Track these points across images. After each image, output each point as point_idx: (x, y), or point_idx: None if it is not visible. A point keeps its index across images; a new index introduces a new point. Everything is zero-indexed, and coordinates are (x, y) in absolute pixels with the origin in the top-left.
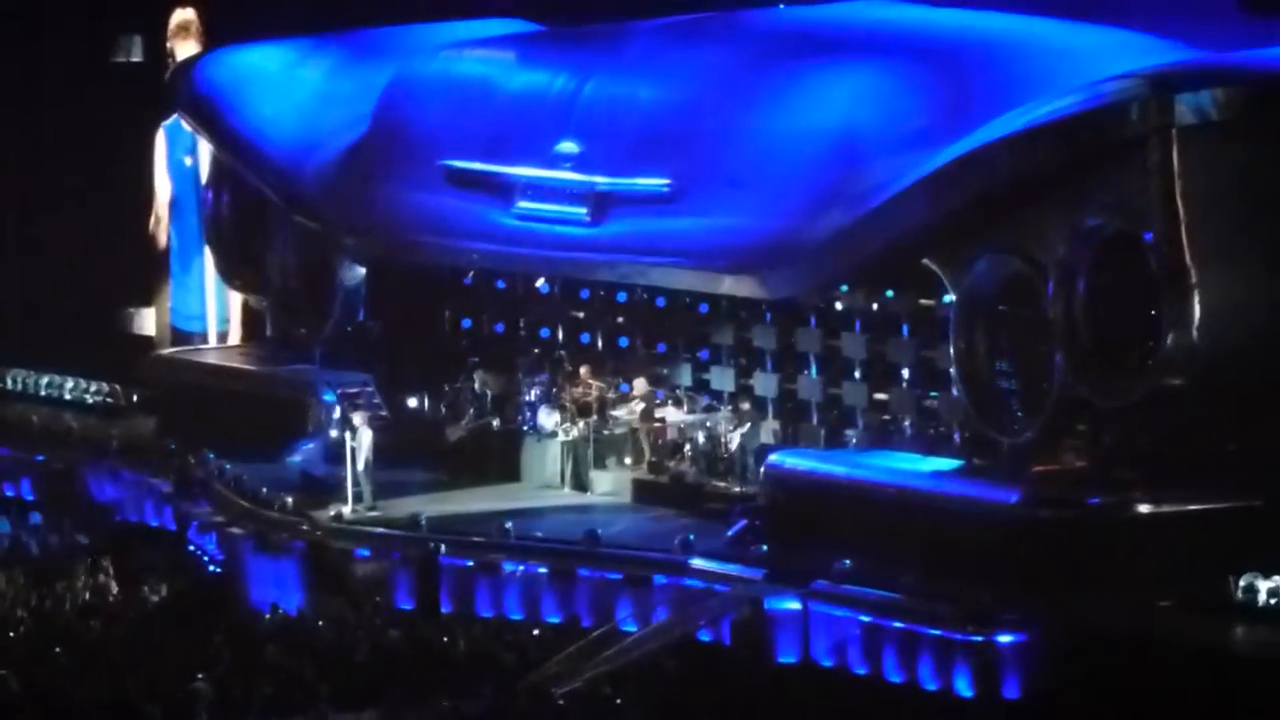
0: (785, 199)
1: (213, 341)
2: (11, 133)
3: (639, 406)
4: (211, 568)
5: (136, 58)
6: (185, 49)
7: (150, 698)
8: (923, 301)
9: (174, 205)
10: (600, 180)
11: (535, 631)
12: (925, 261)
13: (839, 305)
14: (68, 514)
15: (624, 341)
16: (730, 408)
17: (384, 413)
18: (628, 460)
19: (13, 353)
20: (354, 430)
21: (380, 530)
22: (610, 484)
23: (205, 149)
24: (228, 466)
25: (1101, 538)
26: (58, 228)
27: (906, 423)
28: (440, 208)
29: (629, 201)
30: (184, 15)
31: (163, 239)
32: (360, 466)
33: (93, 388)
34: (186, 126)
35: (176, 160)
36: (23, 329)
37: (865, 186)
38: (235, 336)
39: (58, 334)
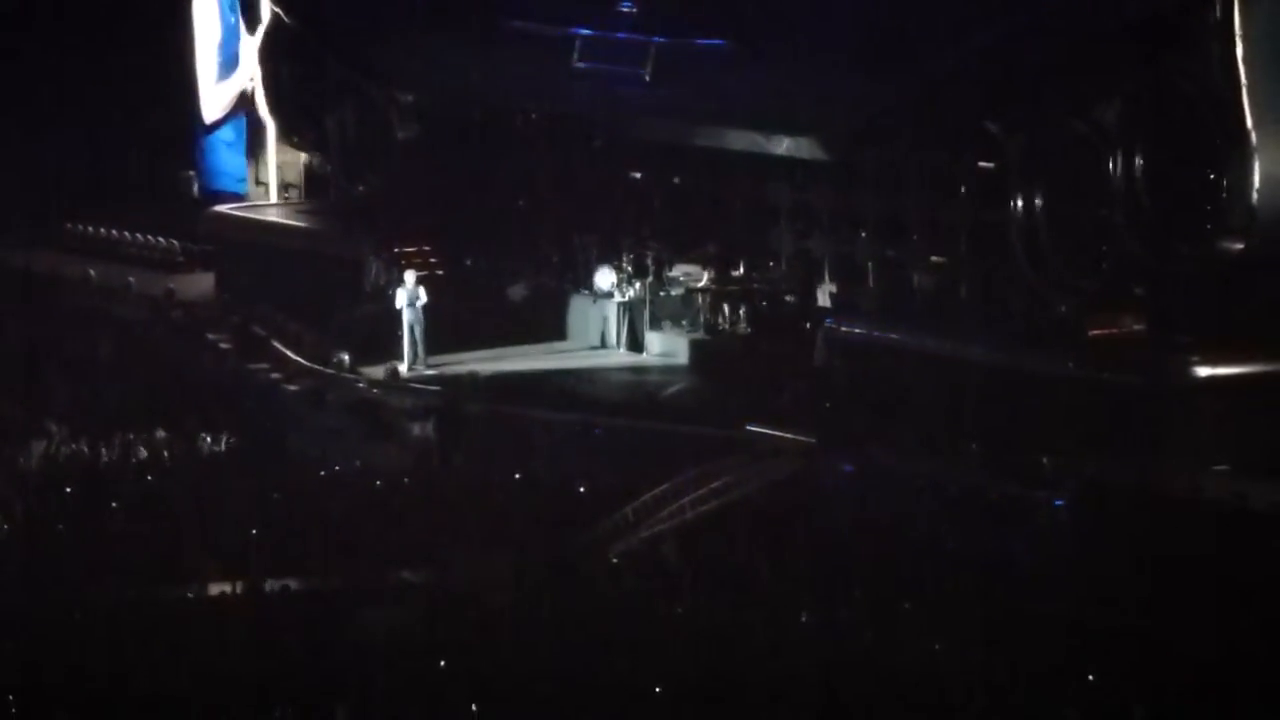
0: (844, 60)
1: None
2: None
3: (700, 269)
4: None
5: None
6: None
7: (205, 554)
8: (983, 164)
9: (219, 64)
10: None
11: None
12: (985, 124)
13: (896, 167)
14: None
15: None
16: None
17: (442, 273)
18: (684, 323)
19: (73, 211)
20: (408, 290)
21: (437, 389)
22: (665, 345)
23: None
24: (286, 323)
25: (1159, 402)
26: (112, 88)
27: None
28: (500, 64)
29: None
30: None
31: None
32: (414, 325)
33: (151, 242)
34: None
35: (224, 18)
36: (82, 189)
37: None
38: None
39: (117, 194)
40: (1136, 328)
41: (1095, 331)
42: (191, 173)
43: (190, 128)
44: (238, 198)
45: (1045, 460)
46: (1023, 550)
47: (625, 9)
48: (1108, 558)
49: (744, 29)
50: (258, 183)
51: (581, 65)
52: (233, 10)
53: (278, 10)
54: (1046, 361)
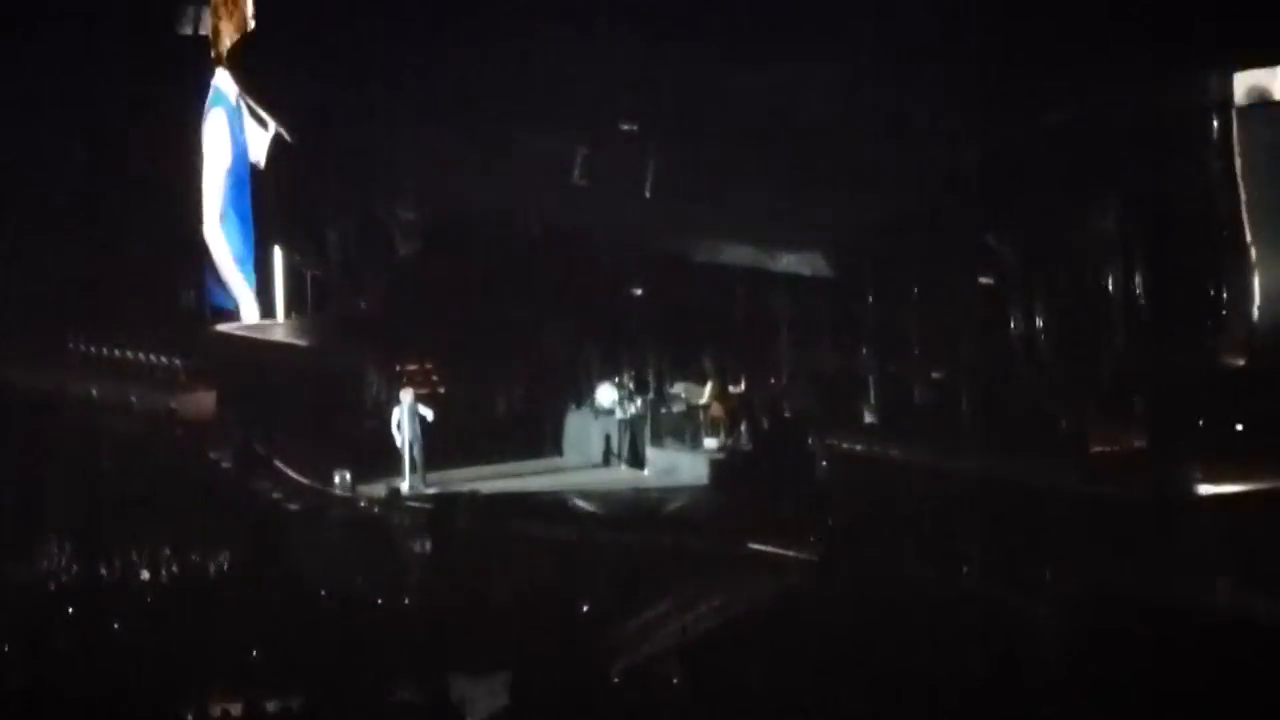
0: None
1: (278, 315)
2: (66, 106)
3: (700, 386)
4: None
5: (205, 31)
6: (230, 21)
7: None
8: (983, 280)
9: (228, 184)
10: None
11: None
12: (984, 237)
13: (895, 281)
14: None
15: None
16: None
17: (442, 390)
18: (686, 439)
19: (74, 328)
20: (407, 406)
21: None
22: (666, 462)
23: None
24: (287, 441)
25: (1160, 515)
26: (115, 203)
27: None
28: (500, 181)
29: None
30: None
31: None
32: (414, 442)
33: (153, 360)
34: (247, 103)
35: (234, 138)
36: (83, 305)
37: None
38: (252, 312)
39: (118, 309)
40: (1138, 441)
41: (1097, 445)
42: (193, 291)
43: (197, 244)
44: (245, 305)
45: (1046, 573)
46: (1023, 662)
47: (626, 127)
48: (1107, 670)
49: (744, 147)
50: (261, 297)
51: (582, 182)
52: (241, 130)
53: (280, 130)
54: (1048, 474)
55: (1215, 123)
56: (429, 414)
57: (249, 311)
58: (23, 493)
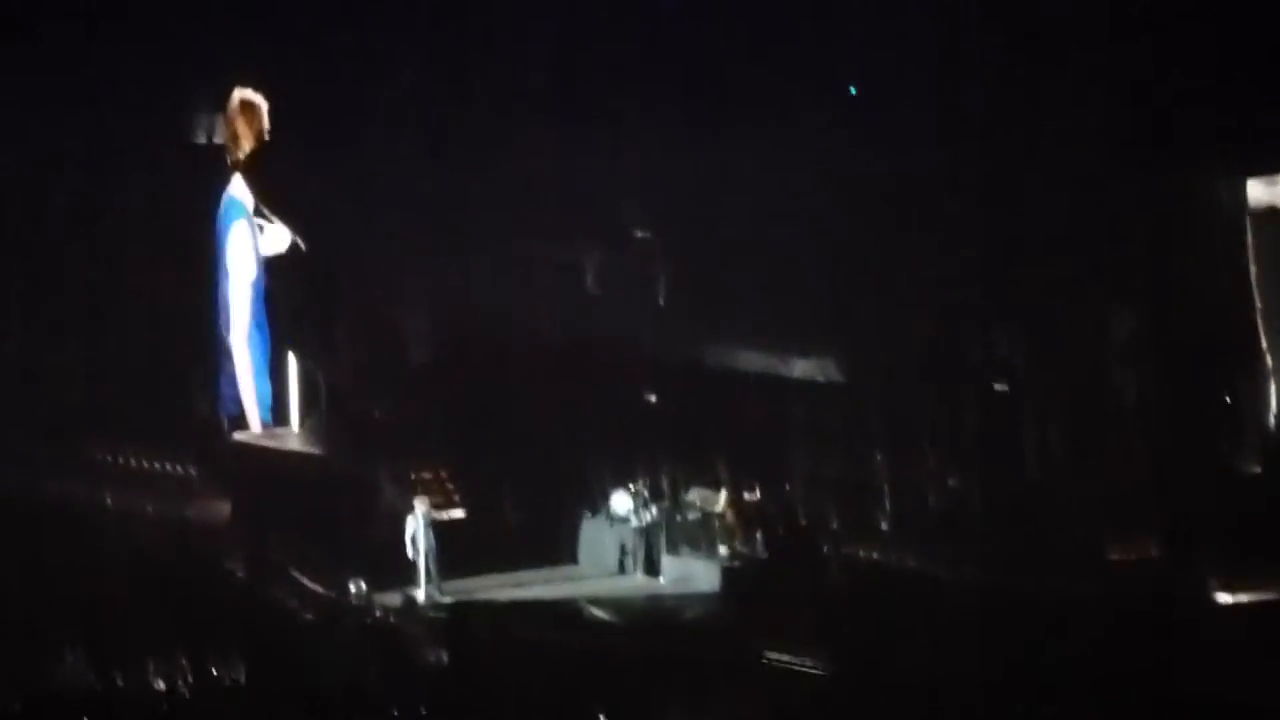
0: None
1: (292, 424)
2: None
3: (714, 492)
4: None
5: (219, 139)
6: (248, 129)
7: None
8: (998, 387)
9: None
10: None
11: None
12: (995, 345)
13: (909, 389)
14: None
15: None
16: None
17: (456, 497)
18: (701, 547)
19: (87, 435)
20: (421, 515)
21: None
22: (682, 570)
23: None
24: (302, 549)
25: (1177, 624)
26: (127, 306)
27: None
28: (513, 288)
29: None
30: (247, 94)
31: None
32: (427, 551)
33: (167, 469)
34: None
35: (256, 249)
36: (96, 412)
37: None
38: (267, 421)
39: (130, 417)
40: (1153, 550)
41: (1112, 553)
42: (207, 398)
43: (216, 352)
44: (260, 414)
45: (1066, 681)
46: None
47: (639, 234)
48: None
49: (756, 254)
50: (277, 408)
51: (595, 289)
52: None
53: (296, 238)
54: (1064, 582)
55: (1230, 230)
56: (438, 521)
57: (264, 420)
58: (34, 601)
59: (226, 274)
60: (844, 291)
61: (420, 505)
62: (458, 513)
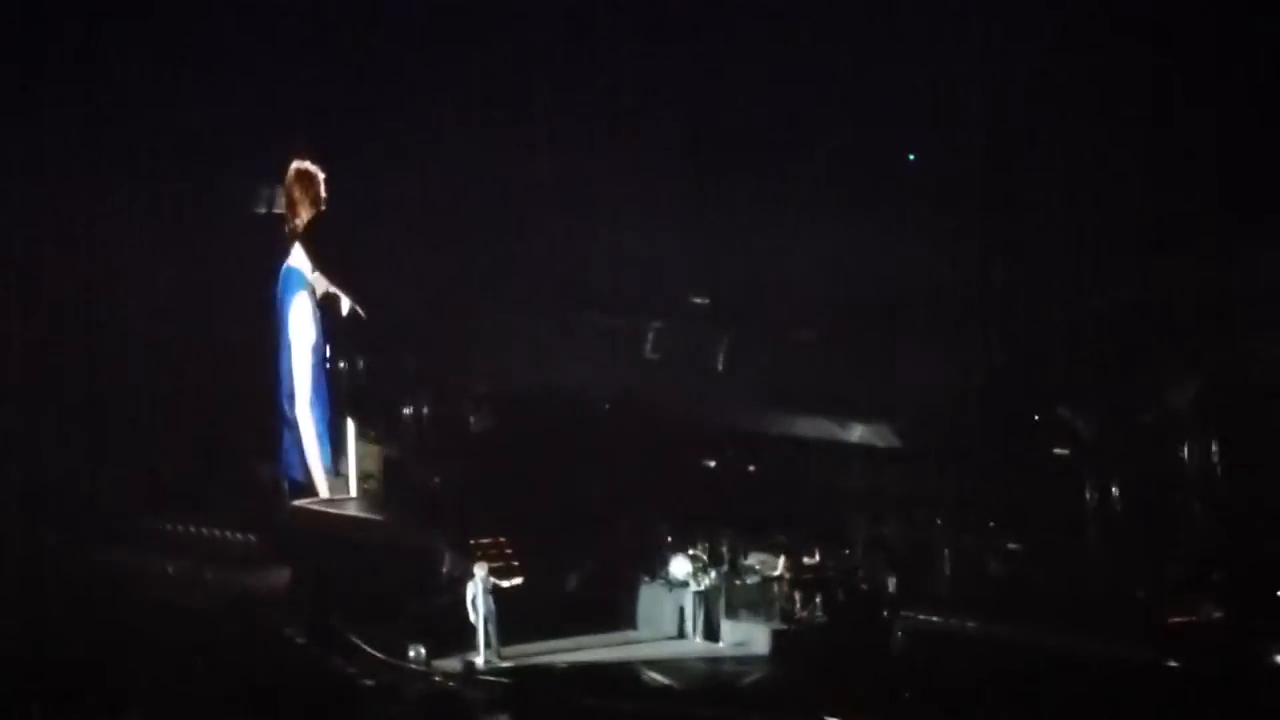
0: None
1: (324, 493)
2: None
3: (774, 557)
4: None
5: (279, 209)
6: (305, 197)
7: None
8: (1058, 450)
9: (313, 364)
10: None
11: None
12: (1058, 409)
13: (970, 453)
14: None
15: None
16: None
17: (516, 563)
18: (761, 612)
19: (149, 505)
20: (480, 580)
21: (514, 681)
22: (741, 634)
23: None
24: (362, 616)
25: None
26: (183, 376)
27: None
28: (574, 354)
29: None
30: (304, 165)
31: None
32: (488, 617)
33: (229, 537)
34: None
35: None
36: (154, 482)
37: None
38: (327, 488)
39: (191, 486)
40: (1216, 616)
41: (1175, 619)
42: (268, 466)
43: (278, 421)
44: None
45: None
46: None
47: (698, 301)
48: None
49: (815, 319)
50: (337, 474)
51: (655, 356)
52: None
53: (356, 307)
54: (1125, 648)
55: None
56: (497, 587)
57: (325, 487)
58: (99, 666)
59: (289, 344)
60: (903, 357)
61: (480, 570)
62: (517, 579)
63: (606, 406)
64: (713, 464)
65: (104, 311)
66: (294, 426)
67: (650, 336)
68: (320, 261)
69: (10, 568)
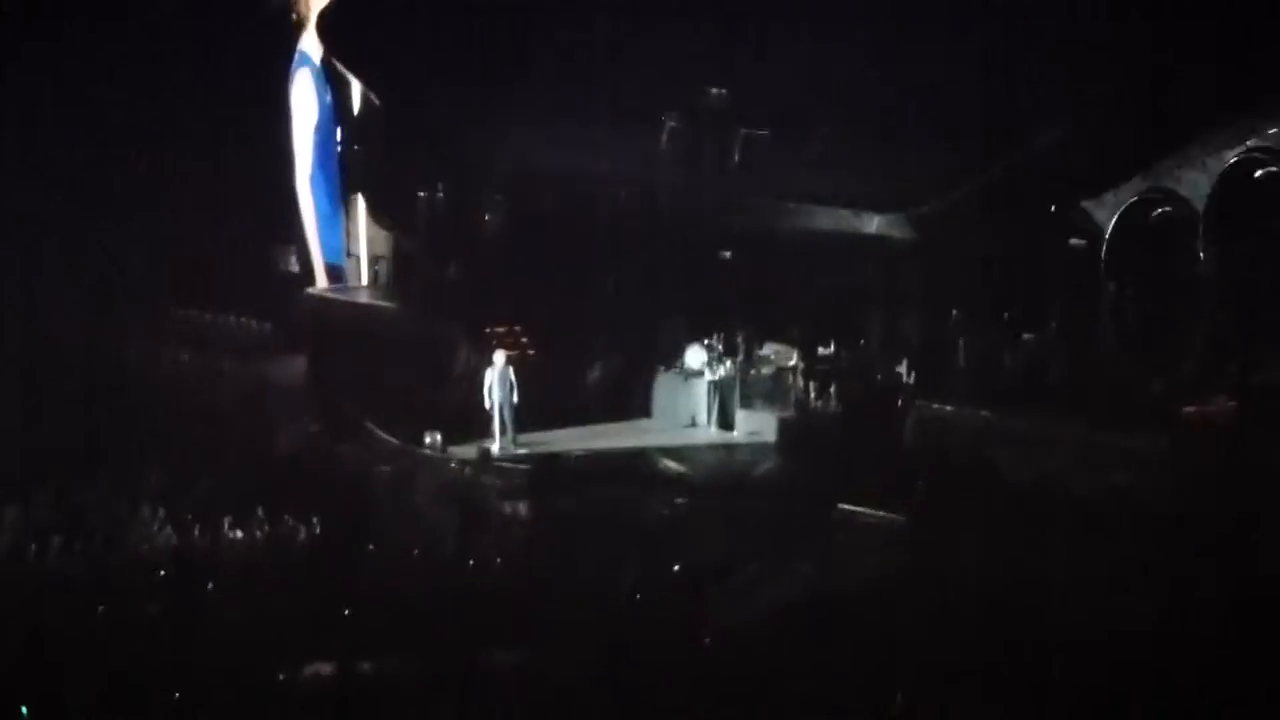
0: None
1: (363, 277)
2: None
3: (789, 348)
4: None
5: None
6: None
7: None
8: (1073, 241)
9: (315, 143)
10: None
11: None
12: (1076, 200)
13: (986, 245)
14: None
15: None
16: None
17: (533, 352)
18: (775, 401)
19: (167, 292)
20: (498, 369)
21: (529, 468)
22: (755, 424)
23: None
24: (378, 404)
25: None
26: (199, 164)
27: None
28: (589, 148)
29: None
30: None
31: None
32: (503, 404)
33: (244, 324)
34: (337, 67)
35: (320, 98)
36: (173, 269)
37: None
38: (335, 272)
39: (206, 273)
40: (1229, 404)
41: (1187, 409)
42: (287, 246)
43: (288, 203)
44: (335, 268)
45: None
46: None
47: (714, 93)
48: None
49: (832, 113)
50: (348, 255)
51: (671, 148)
52: (327, 90)
53: (369, 91)
54: (1138, 439)
55: None
56: (514, 376)
57: (331, 271)
58: (113, 459)
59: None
60: (920, 149)
61: (498, 358)
62: (534, 367)
63: (624, 197)
64: (729, 255)
65: (114, 103)
66: (302, 205)
67: (668, 128)
68: (332, 46)
69: (14, 353)
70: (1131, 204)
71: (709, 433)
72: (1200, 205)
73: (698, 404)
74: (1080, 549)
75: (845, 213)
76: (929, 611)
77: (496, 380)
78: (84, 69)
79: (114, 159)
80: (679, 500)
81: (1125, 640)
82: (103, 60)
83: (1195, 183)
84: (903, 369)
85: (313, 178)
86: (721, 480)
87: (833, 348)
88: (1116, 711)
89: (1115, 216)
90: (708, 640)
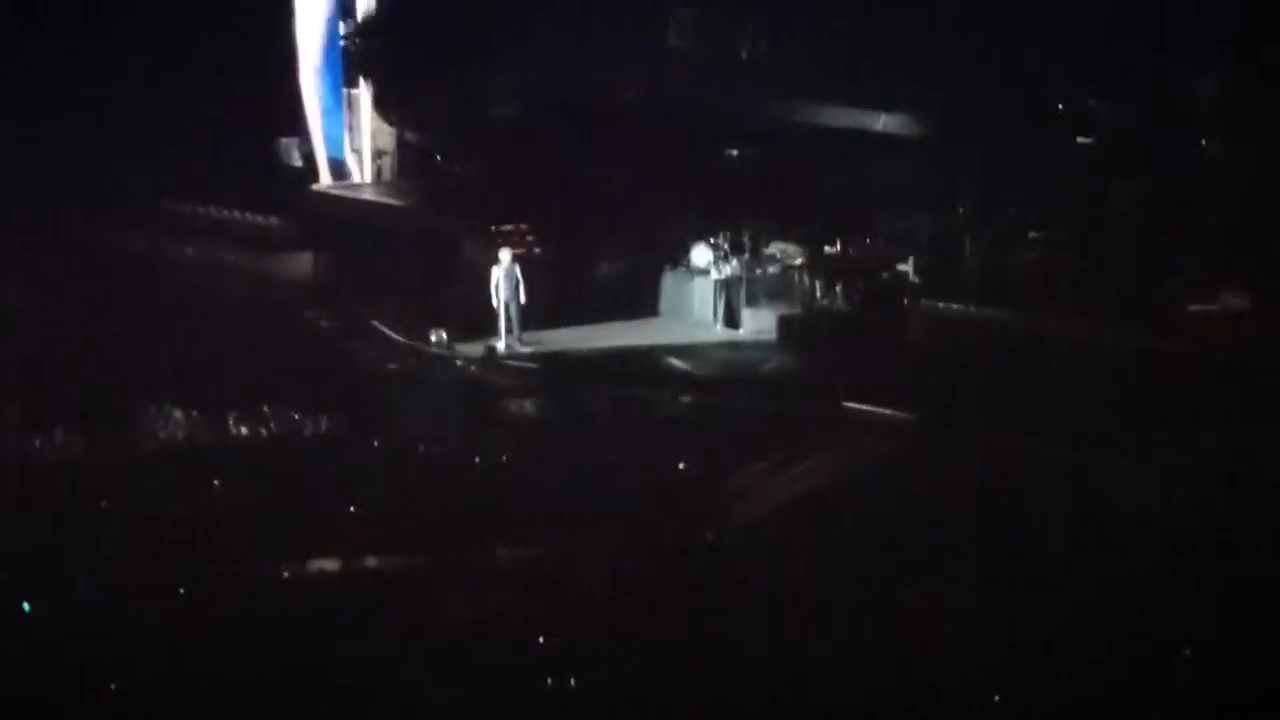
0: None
1: (366, 173)
2: None
3: (796, 246)
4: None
5: None
6: None
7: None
8: (1081, 139)
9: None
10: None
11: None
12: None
13: (994, 143)
14: None
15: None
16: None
17: (539, 250)
18: (781, 299)
19: (170, 186)
20: (505, 267)
21: (535, 366)
22: (761, 322)
23: None
24: (384, 301)
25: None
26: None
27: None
28: (597, 43)
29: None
30: None
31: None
32: (509, 302)
33: (249, 219)
34: None
35: None
36: (173, 160)
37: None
38: (366, 167)
39: (210, 165)
40: (1240, 304)
41: (1198, 308)
42: (290, 140)
43: (290, 95)
44: (338, 163)
45: (1144, 436)
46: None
47: None
48: (1196, 536)
49: (841, 8)
50: (352, 150)
51: (678, 44)
52: None
53: None
54: (1148, 338)
55: None
56: (520, 274)
57: (334, 165)
58: (120, 355)
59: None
60: (930, 46)
61: (505, 256)
62: (541, 265)
63: (630, 94)
64: (735, 153)
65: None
66: (305, 99)
67: (674, 24)
68: None
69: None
70: (1141, 100)
71: (715, 331)
72: (1212, 107)
73: (703, 302)
74: (1085, 445)
75: (853, 110)
76: (932, 509)
77: (503, 278)
78: None
79: (118, 52)
80: (685, 398)
81: (1124, 525)
82: None
83: (1205, 84)
84: (909, 267)
85: (318, 70)
86: (726, 377)
87: (839, 246)
88: (1115, 598)
89: (1125, 112)
90: (711, 536)
